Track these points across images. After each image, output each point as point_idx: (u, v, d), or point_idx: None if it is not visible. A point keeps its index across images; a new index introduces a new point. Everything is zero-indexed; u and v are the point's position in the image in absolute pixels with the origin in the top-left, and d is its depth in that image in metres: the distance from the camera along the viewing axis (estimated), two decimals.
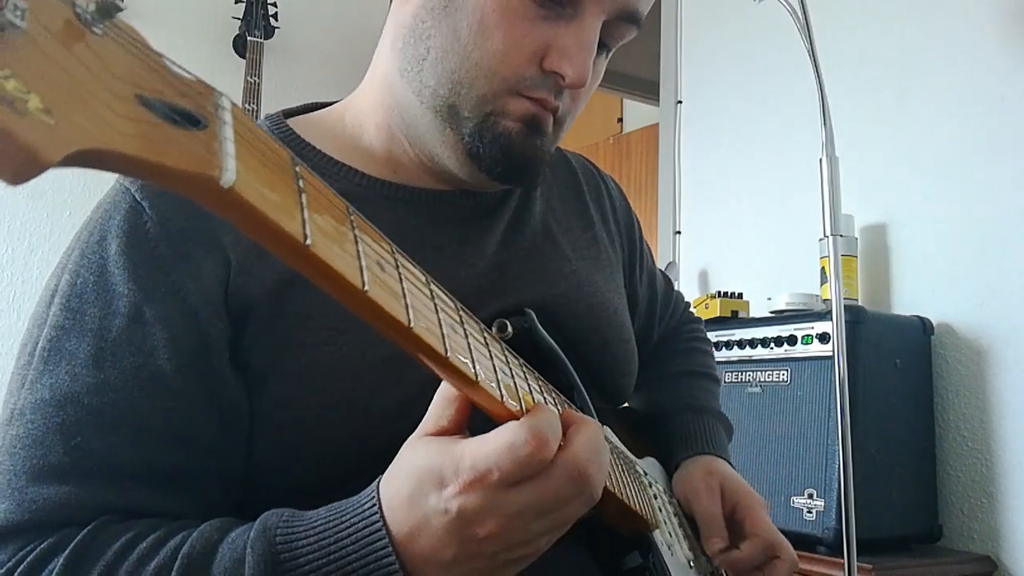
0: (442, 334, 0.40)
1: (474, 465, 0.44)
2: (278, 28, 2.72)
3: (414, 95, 0.67)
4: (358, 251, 0.35)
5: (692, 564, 0.76)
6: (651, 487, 0.75)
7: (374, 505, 0.47)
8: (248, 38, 2.61)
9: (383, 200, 0.70)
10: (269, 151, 0.31)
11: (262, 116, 0.75)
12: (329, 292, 0.35)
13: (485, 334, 0.47)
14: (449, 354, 0.40)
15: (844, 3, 2.07)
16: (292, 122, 0.73)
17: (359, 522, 0.48)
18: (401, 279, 0.38)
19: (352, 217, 0.36)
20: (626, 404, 0.90)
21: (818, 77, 1.40)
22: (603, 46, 0.69)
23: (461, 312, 0.44)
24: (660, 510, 0.75)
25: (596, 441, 0.48)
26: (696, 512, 0.79)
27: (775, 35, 2.20)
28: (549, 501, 0.46)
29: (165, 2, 2.65)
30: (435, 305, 0.41)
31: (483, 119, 0.65)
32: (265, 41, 2.65)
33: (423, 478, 0.46)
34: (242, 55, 2.65)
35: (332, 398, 0.60)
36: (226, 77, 2.69)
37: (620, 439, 0.76)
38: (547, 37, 0.64)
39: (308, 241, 0.31)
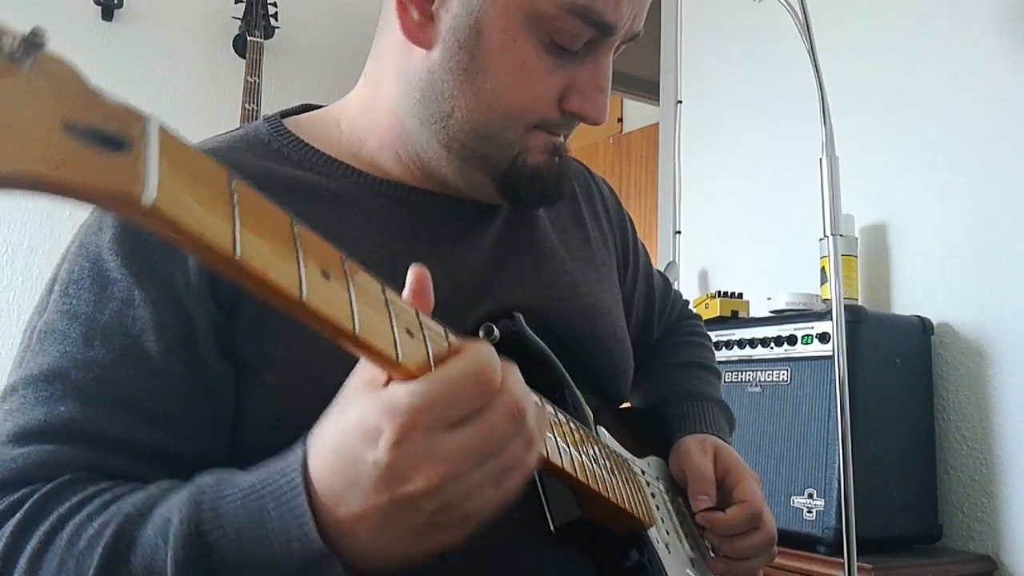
0: (394, 339, 0.40)
1: (412, 404, 0.40)
2: (278, 28, 2.72)
3: (440, 145, 0.69)
4: (298, 261, 0.36)
5: (694, 562, 0.76)
6: (649, 486, 0.75)
7: (296, 468, 0.45)
8: (248, 38, 2.61)
9: (380, 197, 0.71)
10: (203, 169, 0.33)
11: (261, 116, 0.76)
12: (268, 301, 0.35)
13: (449, 338, 0.46)
14: (402, 360, 0.40)
15: (844, 3, 2.07)
16: (289, 122, 0.74)
17: (283, 484, 0.45)
18: (349, 286, 0.39)
19: (296, 228, 0.37)
20: (626, 404, 0.90)
21: (818, 77, 1.39)
22: None
23: (420, 318, 0.44)
24: (658, 508, 0.75)
25: (522, 381, 0.46)
26: (687, 472, 0.80)
27: (775, 35, 2.20)
28: (491, 442, 0.42)
29: (165, 2, 2.65)
30: (389, 312, 0.41)
31: (512, 162, 0.69)
32: (265, 41, 2.65)
33: (348, 430, 0.42)
34: (242, 55, 2.65)
35: (328, 386, 0.60)
36: (226, 77, 2.69)
37: (621, 439, 0.76)
38: (564, 82, 0.67)
39: (238, 254, 0.32)
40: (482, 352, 0.43)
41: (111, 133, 0.29)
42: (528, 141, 0.68)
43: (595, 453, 0.62)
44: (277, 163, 0.69)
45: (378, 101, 0.72)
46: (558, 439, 0.55)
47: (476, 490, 0.43)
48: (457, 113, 0.67)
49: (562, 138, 0.71)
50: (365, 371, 0.44)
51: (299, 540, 0.43)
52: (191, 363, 0.60)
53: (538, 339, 0.67)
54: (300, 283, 0.35)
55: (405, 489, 0.41)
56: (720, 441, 0.84)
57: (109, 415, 0.57)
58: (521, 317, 0.67)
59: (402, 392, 0.41)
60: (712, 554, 0.80)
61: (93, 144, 0.28)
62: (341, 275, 0.39)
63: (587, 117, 0.67)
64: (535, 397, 0.51)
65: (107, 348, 0.58)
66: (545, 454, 0.51)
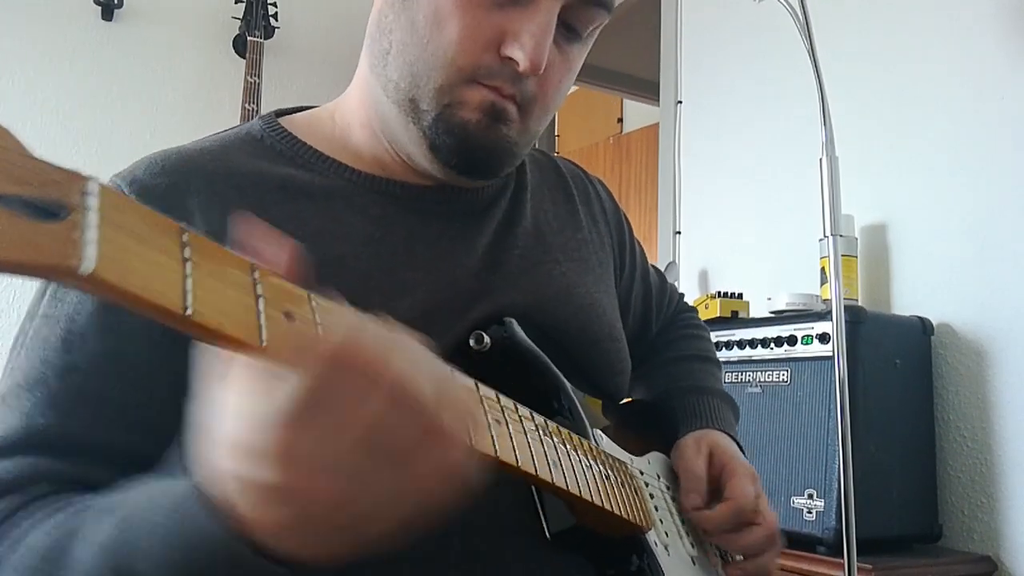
0: None
1: (282, 416, 0.35)
2: (278, 28, 2.72)
3: (381, 90, 0.68)
4: (258, 307, 0.35)
5: (696, 561, 0.76)
6: (648, 486, 0.75)
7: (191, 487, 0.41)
8: (248, 38, 2.62)
9: (372, 195, 0.70)
10: (151, 226, 0.32)
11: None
12: (228, 350, 0.34)
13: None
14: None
15: (844, 3, 2.07)
16: (284, 121, 0.74)
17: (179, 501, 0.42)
18: (317, 325, 0.37)
19: (256, 273, 0.36)
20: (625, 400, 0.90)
21: (818, 77, 1.39)
22: (573, 33, 0.68)
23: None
24: (657, 508, 0.74)
25: (417, 360, 0.39)
26: (679, 470, 0.80)
27: (775, 35, 2.20)
28: (378, 434, 0.37)
29: (165, 2, 2.65)
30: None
31: (441, 110, 0.65)
32: (265, 41, 2.65)
33: (229, 456, 0.38)
34: (242, 55, 2.66)
35: None
36: (226, 77, 2.69)
37: (621, 437, 0.76)
38: (502, 24, 0.64)
39: (189, 311, 0.32)
40: (348, 335, 0.36)
41: (46, 202, 0.28)
42: (462, 93, 0.64)
43: (589, 461, 0.61)
44: (270, 161, 0.69)
45: (358, 76, 0.73)
46: (547, 450, 0.54)
47: (384, 488, 0.38)
48: (393, 48, 0.66)
49: (512, 106, 0.66)
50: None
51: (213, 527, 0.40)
52: (176, 365, 0.57)
53: (531, 344, 0.67)
54: (259, 331, 0.34)
55: (309, 510, 0.38)
56: (718, 438, 0.84)
57: (87, 423, 0.56)
58: (514, 322, 0.67)
59: (266, 406, 0.36)
60: (713, 550, 0.80)
61: (27, 215, 0.27)
62: (308, 311, 0.37)
63: (519, 62, 0.62)
64: (469, 382, 0.47)
65: (85, 352, 0.57)
66: (535, 471, 0.50)
